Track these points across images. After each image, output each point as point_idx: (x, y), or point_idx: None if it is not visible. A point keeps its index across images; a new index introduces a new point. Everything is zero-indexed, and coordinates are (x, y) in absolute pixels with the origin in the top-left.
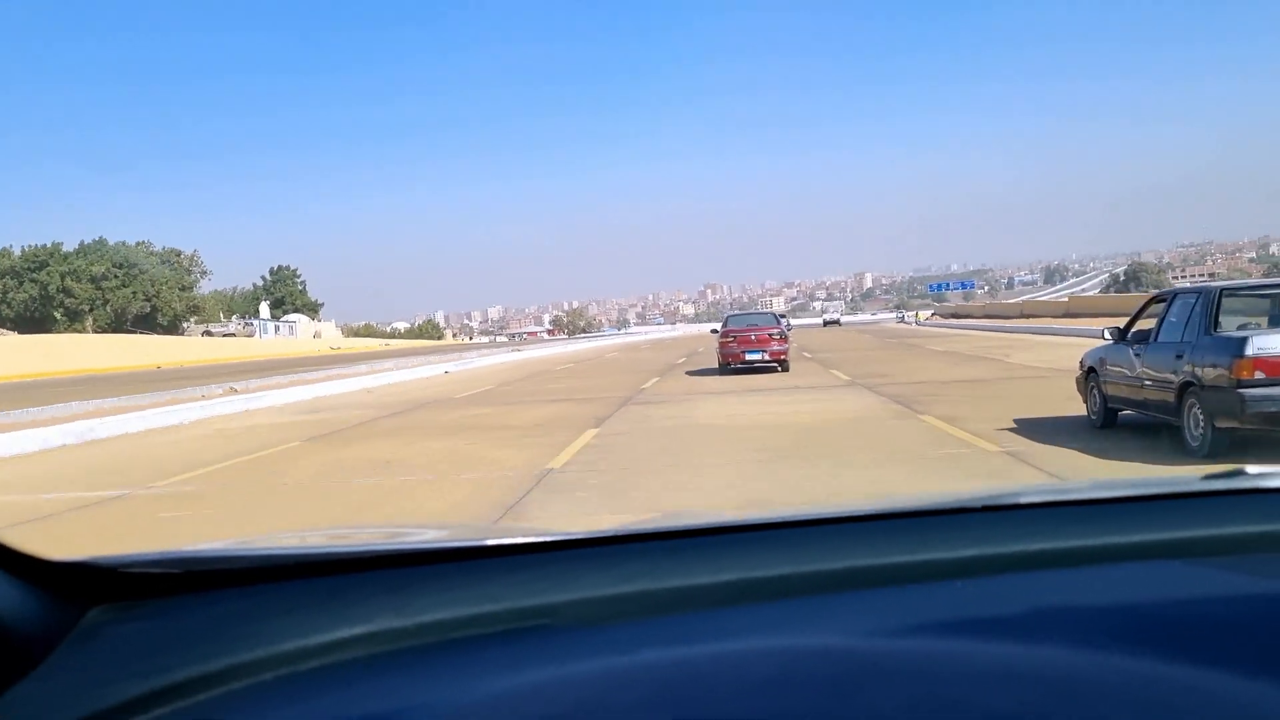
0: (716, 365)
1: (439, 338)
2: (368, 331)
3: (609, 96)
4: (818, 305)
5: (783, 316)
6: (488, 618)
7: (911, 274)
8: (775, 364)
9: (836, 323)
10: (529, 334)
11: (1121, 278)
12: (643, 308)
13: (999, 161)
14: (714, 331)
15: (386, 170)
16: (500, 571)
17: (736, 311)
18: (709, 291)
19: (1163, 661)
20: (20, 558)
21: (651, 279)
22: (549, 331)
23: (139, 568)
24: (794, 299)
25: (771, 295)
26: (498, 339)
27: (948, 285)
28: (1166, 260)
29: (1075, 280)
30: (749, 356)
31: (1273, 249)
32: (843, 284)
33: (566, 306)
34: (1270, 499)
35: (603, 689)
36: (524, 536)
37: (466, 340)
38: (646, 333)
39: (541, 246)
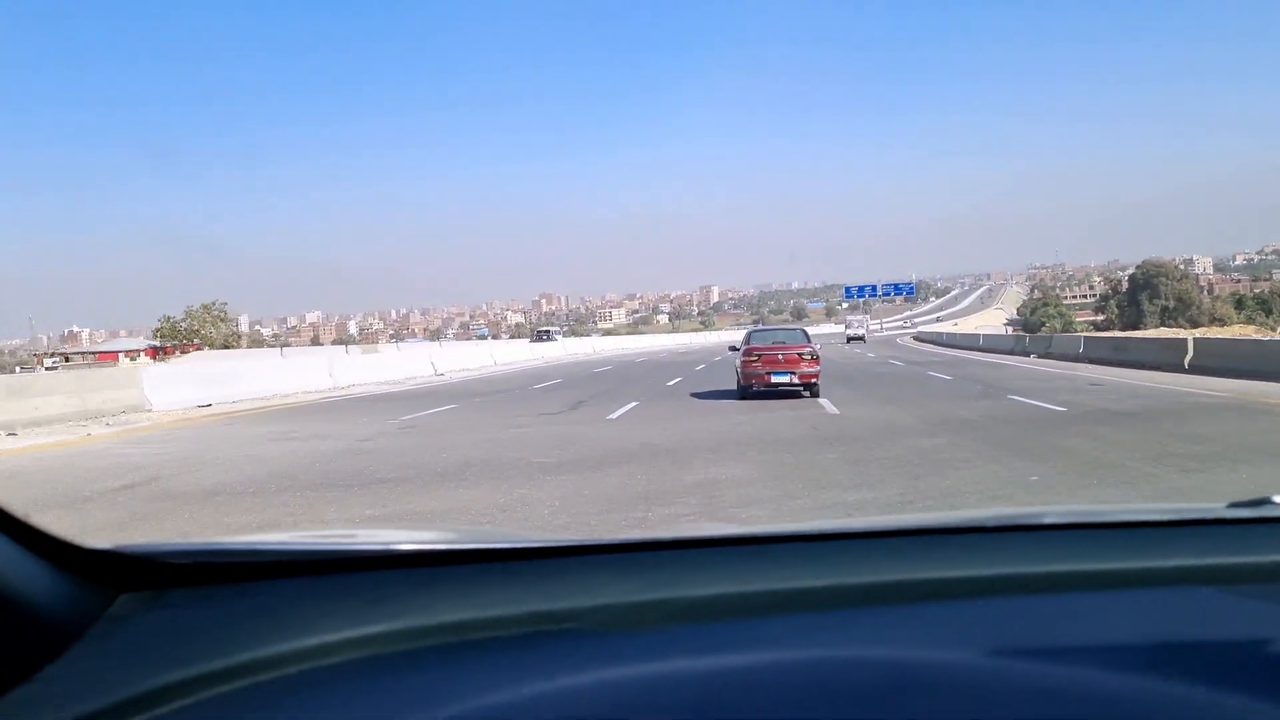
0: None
1: None
2: None
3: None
4: (662, 319)
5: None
6: (512, 620)
7: (757, 289)
8: (803, 387)
9: (861, 339)
10: (100, 355)
11: (1124, 284)
12: (470, 317)
13: (838, 182)
14: (733, 349)
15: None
16: (525, 574)
17: (761, 327)
18: (544, 301)
19: (1195, 688)
20: (54, 542)
21: (484, 288)
22: (147, 352)
23: (168, 557)
24: (635, 311)
25: (612, 307)
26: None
27: (874, 290)
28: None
29: (945, 299)
30: (775, 379)
31: (1128, 270)
32: (688, 298)
33: (394, 315)
34: None
35: (638, 694)
36: (547, 541)
37: None
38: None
39: (369, 250)
